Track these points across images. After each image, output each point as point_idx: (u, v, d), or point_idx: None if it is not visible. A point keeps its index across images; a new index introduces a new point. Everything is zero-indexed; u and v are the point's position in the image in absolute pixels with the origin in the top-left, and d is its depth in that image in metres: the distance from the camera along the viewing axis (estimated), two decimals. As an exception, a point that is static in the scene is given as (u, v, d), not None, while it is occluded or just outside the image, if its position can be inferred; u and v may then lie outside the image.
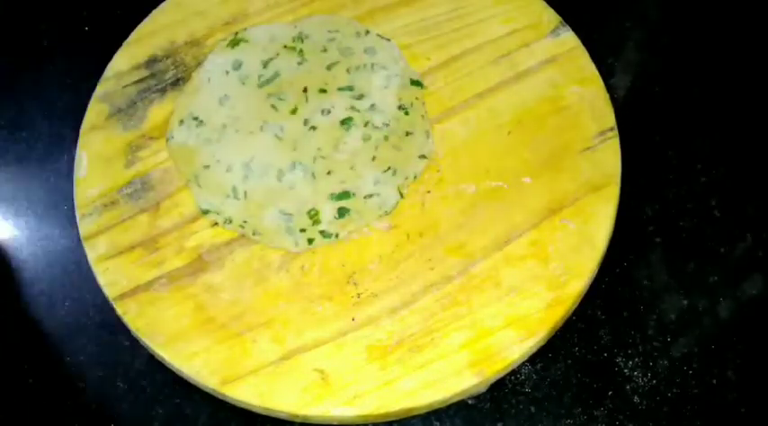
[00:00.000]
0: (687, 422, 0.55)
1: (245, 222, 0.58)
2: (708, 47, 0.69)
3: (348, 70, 0.63)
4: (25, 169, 0.66)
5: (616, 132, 0.60)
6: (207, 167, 0.60)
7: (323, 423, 0.53)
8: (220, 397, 0.54)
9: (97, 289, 0.57)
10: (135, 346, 0.57)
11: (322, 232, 0.58)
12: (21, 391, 0.58)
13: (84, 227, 0.58)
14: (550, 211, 0.58)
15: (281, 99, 0.62)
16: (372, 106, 0.62)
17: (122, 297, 0.56)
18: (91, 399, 0.57)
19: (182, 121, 0.62)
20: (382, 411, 0.52)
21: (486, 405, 0.56)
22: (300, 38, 0.65)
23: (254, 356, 0.54)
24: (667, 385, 0.56)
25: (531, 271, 0.56)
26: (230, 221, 0.58)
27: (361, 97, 0.62)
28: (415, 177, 0.59)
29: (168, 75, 0.64)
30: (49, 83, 0.70)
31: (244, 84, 0.63)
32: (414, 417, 0.55)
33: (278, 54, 0.64)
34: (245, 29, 0.65)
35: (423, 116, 0.61)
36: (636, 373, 0.56)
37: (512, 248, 0.56)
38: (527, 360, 0.55)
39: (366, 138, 0.61)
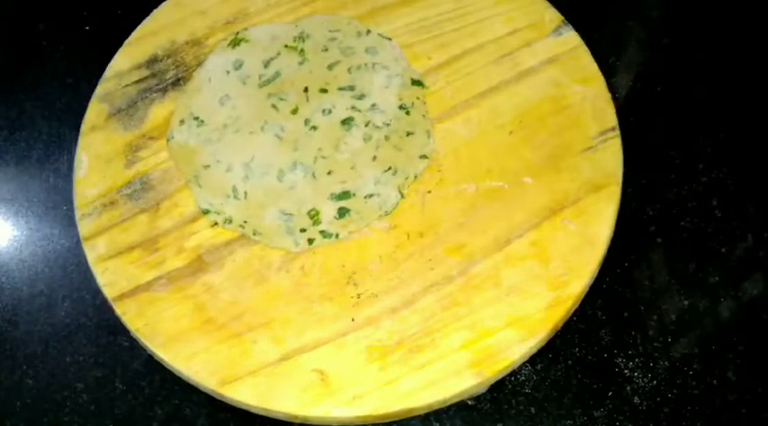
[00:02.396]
0: (687, 423, 0.55)
1: (245, 222, 0.58)
2: (709, 46, 0.69)
3: (349, 70, 0.63)
4: (25, 169, 0.66)
5: (617, 132, 0.60)
6: (207, 167, 0.60)
7: (322, 424, 0.53)
8: (219, 398, 0.54)
9: (96, 290, 0.57)
10: (134, 346, 0.57)
11: (322, 232, 0.58)
12: (20, 391, 0.58)
13: (84, 228, 0.58)
14: (551, 211, 0.57)
15: (281, 99, 0.62)
16: (373, 106, 0.62)
17: (122, 297, 0.56)
18: (90, 399, 0.57)
19: (182, 121, 0.62)
20: (382, 411, 0.52)
21: (486, 406, 0.56)
22: (301, 37, 0.64)
23: (254, 356, 0.54)
24: (668, 385, 0.56)
25: (531, 272, 0.55)
26: (230, 221, 0.58)
27: (362, 97, 0.62)
28: (415, 177, 0.59)
29: (169, 75, 0.64)
30: (49, 83, 0.70)
31: (244, 83, 0.63)
32: (413, 418, 0.55)
33: (279, 54, 0.64)
34: (246, 28, 0.65)
35: (424, 116, 0.61)
36: (636, 374, 0.56)
37: (512, 248, 0.56)
38: (527, 361, 0.55)
39: (367, 138, 0.60)
